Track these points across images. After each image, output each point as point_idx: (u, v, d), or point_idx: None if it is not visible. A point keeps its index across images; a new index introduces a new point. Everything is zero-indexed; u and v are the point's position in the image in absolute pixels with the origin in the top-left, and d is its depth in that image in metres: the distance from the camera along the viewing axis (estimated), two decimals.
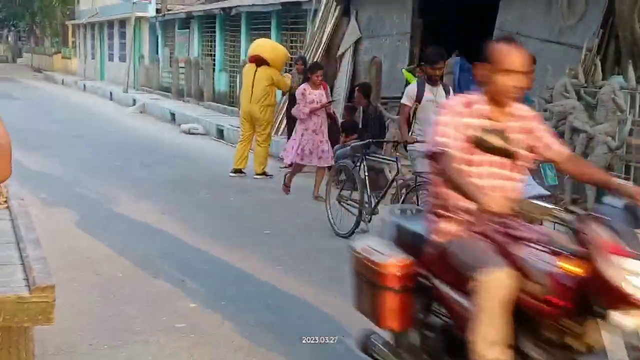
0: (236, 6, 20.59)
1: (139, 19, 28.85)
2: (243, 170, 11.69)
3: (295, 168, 10.18)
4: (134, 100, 24.09)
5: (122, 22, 31.72)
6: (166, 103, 22.49)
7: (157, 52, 28.76)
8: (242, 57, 19.73)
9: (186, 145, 15.44)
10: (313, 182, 10.90)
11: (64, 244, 7.07)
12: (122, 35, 32.11)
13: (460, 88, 11.50)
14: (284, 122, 15.04)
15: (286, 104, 12.88)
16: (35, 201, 8.57)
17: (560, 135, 8.79)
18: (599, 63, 9.16)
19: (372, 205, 7.91)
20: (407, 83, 13.16)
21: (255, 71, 11.67)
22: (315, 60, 14.39)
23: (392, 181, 8.01)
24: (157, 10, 28.23)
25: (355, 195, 8.23)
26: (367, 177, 8.12)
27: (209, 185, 10.83)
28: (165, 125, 19.46)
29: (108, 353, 4.75)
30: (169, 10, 27.44)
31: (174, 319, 5.36)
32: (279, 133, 14.66)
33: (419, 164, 7.49)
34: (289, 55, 12.60)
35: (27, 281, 3.02)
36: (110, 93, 27.54)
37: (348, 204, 8.22)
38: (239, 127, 13.20)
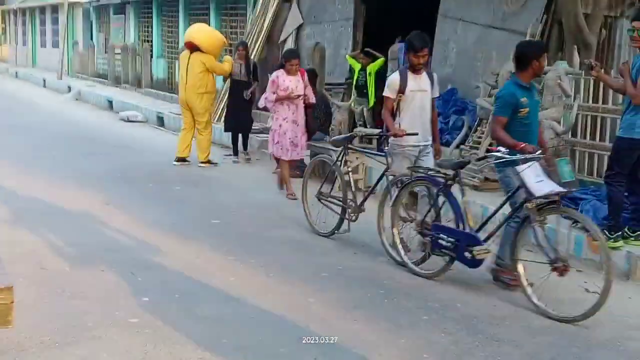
0: None
1: (72, 4, 28.15)
2: (187, 159, 11.49)
3: (283, 165, 9.44)
4: (69, 88, 23.51)
5: (55, 8, 30.95)
6: (103, 90, 22.00)
7: (91, 38, 28.13)
8: (180, 43, 19.40)
9: (126, 133, 15.11)
10: (262, 165, 10.83)
11: (5, 238, 6.82)
12: (55, 21, 31.32)
13: None
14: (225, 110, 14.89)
15: (227, 91, 12.57)
16: None
17: None
18: None
19: (358, 203, 7.41)
20: (351, 69, 13.15)
21: (189, 57, 11.46)
22: (257, 46, 14.21)
23: (382, 176, 7.35)
24: None
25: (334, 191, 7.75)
26: (350, 173, 7.65)
27: (153, 175, 10.62)
28: (102, 113, 19.04)
29: (60, 352, 4.57)
30: None
31: (127, 313, 5.21)
32: (221, 120, 14.45)
33: (396, 160, 7.02)
34: (226, 40, 12.32)
35: None
36: (44, 80, 26.86)
37: (329, 201, 7.70)
38: (180, 115, 12.98)
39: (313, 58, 13.35)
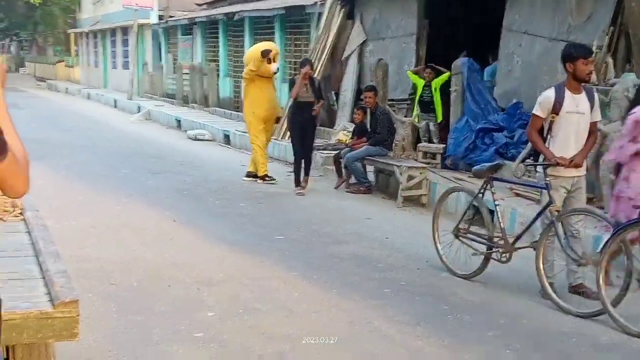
0: (239, 11, 20.53)
1: (141, 26, 28.80)
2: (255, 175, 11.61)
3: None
4: (139, 108, 24.03)
5: (125, 30, 31.69)
6: (171, 110, 22.43)
7: (160, 59, 28.71)
8: None
9: (194, 151, 15.37)
10: (326, 182, 10.81)
11: (75, 253, 6.96)
12: (125, 43, 32.08)
13: (470, 89, 11.40)
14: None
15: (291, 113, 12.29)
16: (44, 211, 8.47)
17: None
18: (610, 61, 9.09)
19: (510, 241, 6.54)
20: (414, 85, 13.12)
21: None
22: (321, 63, 14.24)
23: (541, 212, 6.30)
24: (160, 17, 28.20)
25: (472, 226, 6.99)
26: (497, 207, 6.77)
27: (218, 191, 10.75)
28: (171, 131, 19.40)
29: None
30: (171, 16, 27.40)
31: (192, 328, 5.27)
32: (282, 136, 14.57)
33: (553, 194, 6.08)
34: (260, 49, 11.57)
35: (50, 296, 2.94)
36: (115, 101, 27.50)
37: (469, 238, 6.86)
38: (245, 133, 13.22)
39: (376, 74, 13.37)
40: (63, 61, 44.41)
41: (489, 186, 6.72)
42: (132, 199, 9.90)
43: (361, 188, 10.96)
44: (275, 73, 11.75)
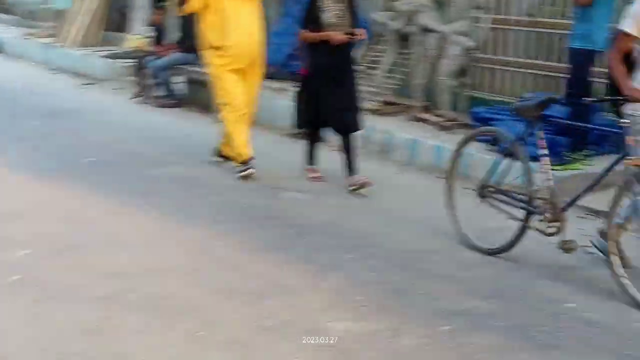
0: None
1: None
2: None
3: None
4: None
5: None
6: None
7: None
8: None
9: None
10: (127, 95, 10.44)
11: None
12: None
13: None
14: None
15: None
16: None
17: (409, 36, 8.86)
18: None
19: (561, 206, 5.22)
20: None
21: None
22: None
23: (613, 165, 5.05)
24: None
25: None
26: (544, 158, 5.30)
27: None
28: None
29: None
30: None
31: (6, 271, 4.87)
32: None
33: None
34: None
35: None
36: None
37: (502, 201, 5.58)
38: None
39: None
40: None
41: (535, 128, 5.41)
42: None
43: (170, 101, 10.71)
44: None
